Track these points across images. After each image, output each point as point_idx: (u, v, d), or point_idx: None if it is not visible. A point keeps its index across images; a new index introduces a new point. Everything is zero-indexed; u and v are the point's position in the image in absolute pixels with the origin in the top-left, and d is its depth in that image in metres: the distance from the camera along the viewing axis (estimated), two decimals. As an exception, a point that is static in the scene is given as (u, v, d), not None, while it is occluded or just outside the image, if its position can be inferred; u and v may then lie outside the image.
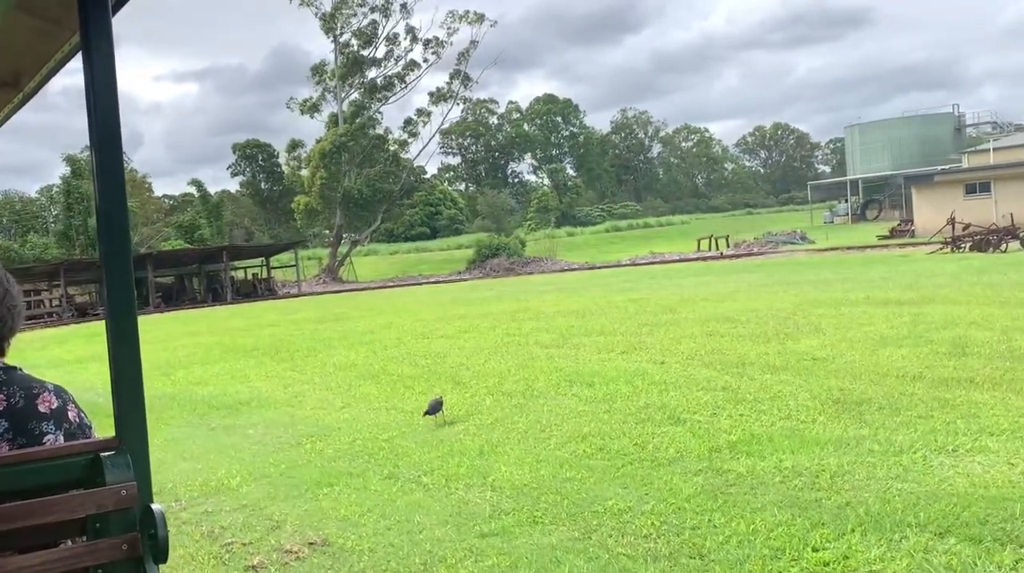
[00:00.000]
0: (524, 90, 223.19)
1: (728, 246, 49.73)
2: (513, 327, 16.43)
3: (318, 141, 61.27)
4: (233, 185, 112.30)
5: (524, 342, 14.06)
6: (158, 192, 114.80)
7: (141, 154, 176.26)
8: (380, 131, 61.65)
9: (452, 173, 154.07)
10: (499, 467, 6.66)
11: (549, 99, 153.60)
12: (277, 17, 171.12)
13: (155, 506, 2.16)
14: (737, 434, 6.84)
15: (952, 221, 31.71)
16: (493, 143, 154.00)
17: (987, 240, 30.41)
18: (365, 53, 59.97)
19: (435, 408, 8.51)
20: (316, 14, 59.47)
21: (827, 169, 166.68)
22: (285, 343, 17.81)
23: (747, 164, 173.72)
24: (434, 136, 66.83)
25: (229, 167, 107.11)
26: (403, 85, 61.06)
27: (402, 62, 60.61)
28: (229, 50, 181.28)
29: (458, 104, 62.74)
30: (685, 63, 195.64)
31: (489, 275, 49.70)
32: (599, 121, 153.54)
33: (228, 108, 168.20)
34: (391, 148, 62.14)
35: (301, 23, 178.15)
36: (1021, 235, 30.11)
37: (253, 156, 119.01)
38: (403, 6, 58.78)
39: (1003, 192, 39.24)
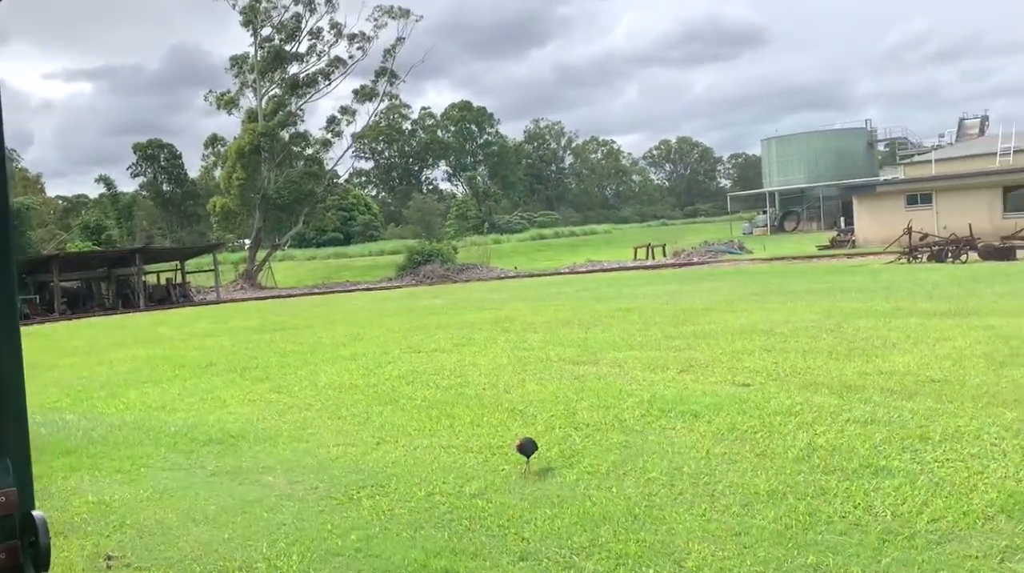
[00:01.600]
0: (431, 99, 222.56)
1: (665, 255, 48.86)
2: (515, 340, 14.55)
3: (236, 139, 57.93)
4: (130, 187, 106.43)
5: (545, 358, 12.21)
6: (50, 193, 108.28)
7: (31, 154, 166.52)
8: (301, 129, 58.80)
9: (364, 178, 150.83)
10: (686, 544, 4.81)
11: (464, 106, 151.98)
12: (175, 16, 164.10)
13: (36, 513, 2.15)
14: (993, 493, 5.17)
15: (909, 231, 31.33)
16: (407, 149, 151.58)
17: (946, 251, 30.07)
18: (288, 48, 57.00)
19: (529, 448, 6.60)
20: (234, 6, 56.28)
21: (729, 183, 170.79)
22: (243, 357, 15.48)
23: (653, 177, 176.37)
24: (362, 134, 64.22)
25: (129, 168, 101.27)
26: (327, 82, 58.31)
27: (325, 58, 57.89)
28: (124, 49, 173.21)
29: (384, 102, 60.27)
30: (588, 77, 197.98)
31: (423, 282, 47.54)
32: (509, 131, 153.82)
33: (124, 108, 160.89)
34: (313, 147, 59.27)
35: (202, 23, 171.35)
36: (979, 246, 29.87)
37: (155, 156, 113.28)
38: (328, 0, 56.16)
39: (945, 204, 39.44)
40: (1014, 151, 46.75)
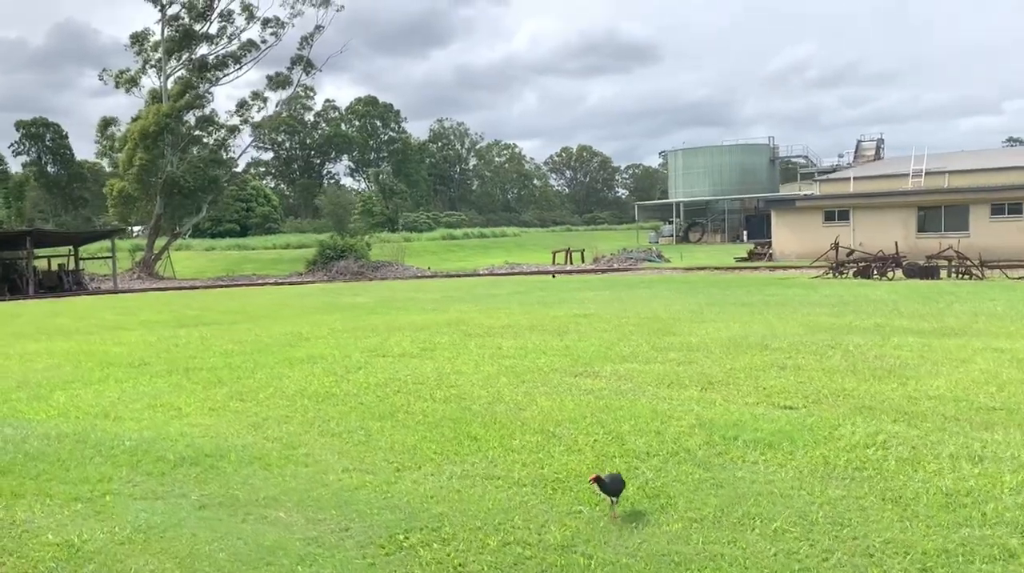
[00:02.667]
0: (330, 92, 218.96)
1: (583, 260, 48.42)
2: (488, 345, 13.41)
3: (135, 119, 54.58)
4: (11, 167, 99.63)
5: (536, 368, 11.13)
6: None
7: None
8: (208, 113, 55.89)
9: (263, 169, 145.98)
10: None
11: (370, 101, 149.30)
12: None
13: None
14: None
15: (836, 246, 31.62)
16: (308, 141, 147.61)
17: (872, 267, 30.41)
18: (197, 27, 54.06)
19: (615, 486, 5.52)
20: (141, -22, 52.98)
21: (626, 192, 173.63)
22: (180, 356, 13.82)
23: (553, 183, 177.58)
24: (267, 123, 61.51)
25: (11, 146, 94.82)
26: (237, 66, 55.61)
27: (236, 41, 55.18)
28: (5, 21, 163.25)
29: (299, 91, 57.87)
30: (488, 81, 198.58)
31: (336, 278, 45.67)
32: (412, 130, 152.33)
33: (2, 84, 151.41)
34: (220, 132, 56.43)
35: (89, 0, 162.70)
36: (904, 264, 30.34)
37: (40, 135, 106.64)
38: (242, -21, 53.54)
39: (861, 221, 40.23)
40: (925, 173, 48.31)
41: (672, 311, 18.35)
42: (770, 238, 69.36)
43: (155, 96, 54.66)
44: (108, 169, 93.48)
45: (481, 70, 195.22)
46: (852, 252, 31.82)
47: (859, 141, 74.85)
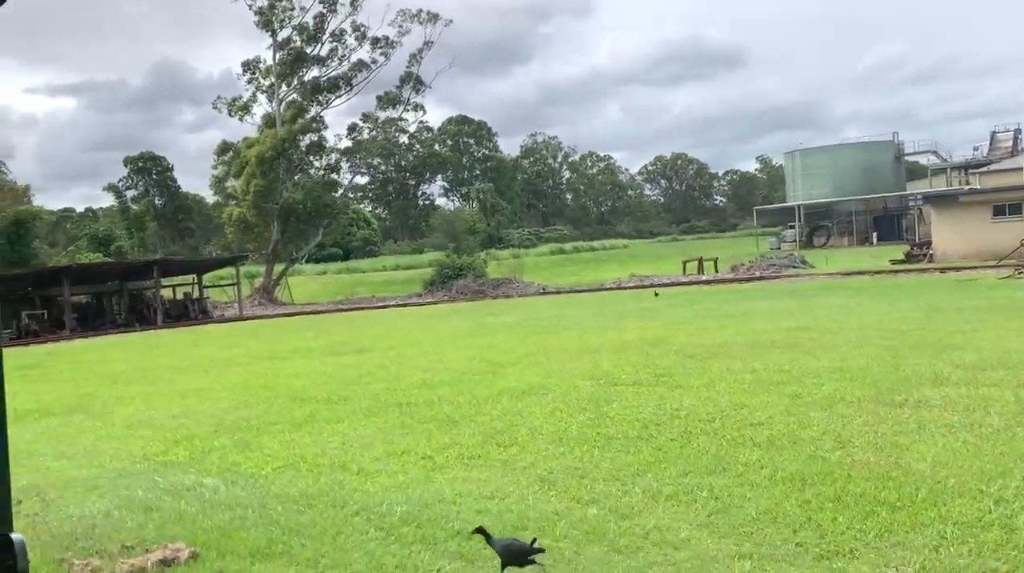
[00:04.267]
0: (406, 117, 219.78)
1: (716, 270, 45.85)
2: (731, 369, 11.36)
3: (249, 146, 54.60)
4: (108, 202, 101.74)
5: (844, 399, 9.04)
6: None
7: (12, 168, 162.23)
8: (318, 138, 55.51)
9: (360, 193, 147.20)
10: None
11: (462, 120, 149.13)
12: (160, 33, 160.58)
13: (15, 536, 2.12)
14: None
15: (1024, 243, 28.49)
16: (404, 163, 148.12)
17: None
18: (309, 50, 53.83)
19: (507, 556, 4.55)
20: (252, 7, 53.09)
21: (723, 200, 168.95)
22: (378, 389, 12.20)
23: (648, 193, 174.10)
24: (366, 146, 60.68)
25: (120, 181, 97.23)
26: (348, 87, 55.13)
27: (346, 63, 54.72)
28: (108, 64, 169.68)
29: (408, 111, 57.05)
30: (570, 96, 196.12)
31: (458, 298, 44.23)
32: (501, 146, 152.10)
33: (106, 124, 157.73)
34: (332, 157, 56.03)
35: (187, 39, 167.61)
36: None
37: (147, 169, 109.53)
38: (352, 1, 53.09)
39: (1038, 214, 36.56)
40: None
41: (909, 321, 15.93)
42: (905, 238, 65.38)
43: (268, 122, 54.59)
44: (211, 199, 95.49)
45: (563, 85, 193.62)
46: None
47: (993, 132, 70.19)
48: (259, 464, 8.24)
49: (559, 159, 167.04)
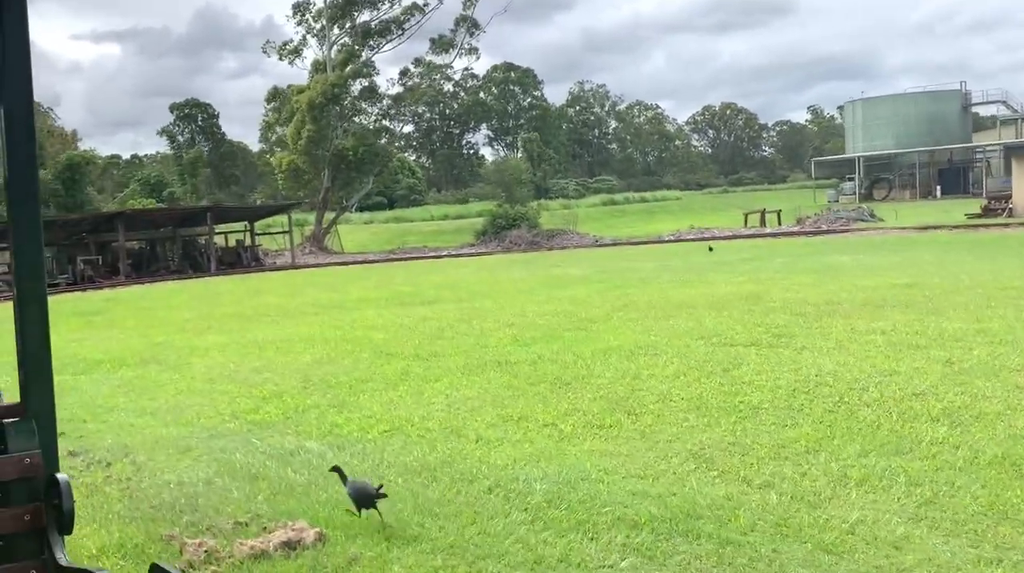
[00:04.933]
0: (457, 62, 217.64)
1: (779, 222, 44.38)
2: (863, 330, 10.42)
3: (299, 92, 53.78)
4: (153, 148, 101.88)
5: (992, 366, 8.12)
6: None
7: (59, 115, 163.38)
8: (369, 84, 54.48)
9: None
10: None
11: (508, 67, 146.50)
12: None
13: (60, 476, 2.13)
14: None
15: None
16: (448, 112, 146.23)
17: None
18: (359, -8, 52.54)
19: (359, 498, 4.88)
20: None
21: (771, 150, 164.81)
22: (469, 345, 11.47)
23: (695, 143, 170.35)
24: (414, 94, 59.47)
25: (166, 128, 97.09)
26: (400, 31, 53.87)
27: (399, 5, 53.38)
28: (151, 12, 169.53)
29: (462, 55, 55.70)
30: (614, 43, 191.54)
31: (512, 249, 43.38)
32: (546, 95, 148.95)
33: (150, 71, 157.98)
34: (383, 103, 55.00)
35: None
36: None
37: (192, 116, 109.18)
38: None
39: None
40: None
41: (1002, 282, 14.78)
42: (971, 192, 62.97)
43: (318, 67, 53.67)
44: (255, 147, 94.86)
45: (608, 32, 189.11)
46: None
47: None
48: (362, 427, 7.55)
49: (606, 108, 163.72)
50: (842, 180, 76.89)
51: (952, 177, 68.00)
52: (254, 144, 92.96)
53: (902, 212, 43.09)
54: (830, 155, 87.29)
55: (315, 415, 8.11)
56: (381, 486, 5.14)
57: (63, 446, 7.69)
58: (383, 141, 55.22)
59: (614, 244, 42.60)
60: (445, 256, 42.23)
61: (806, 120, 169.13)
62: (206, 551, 5.02)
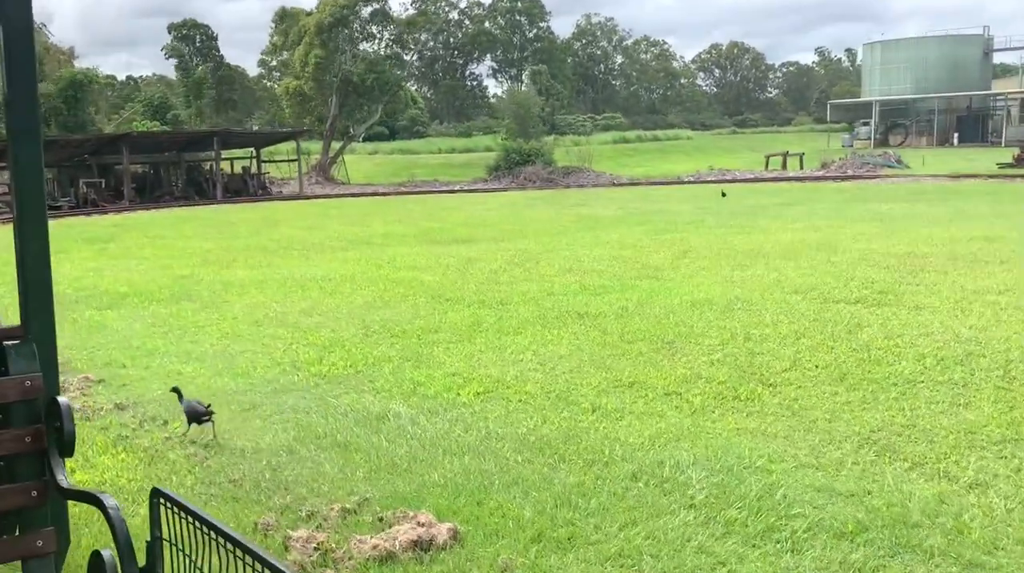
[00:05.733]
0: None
1: (801, 166, 43.17)
2: (957, 286, 9.50)
3: (308, 13, 51.80)
4: (148, 70, 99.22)
5: None
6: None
7: (53, 31, 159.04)
8: (381, 6, 52.44)
9: (405, 72, 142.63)
10: None
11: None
12: None
13: (61, 399, 2.07)
14: None
15: None
16: (452, 41, 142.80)
17: None
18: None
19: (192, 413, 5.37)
20: None
21: (777, 92, 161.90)
22: (530, 291, 10.53)
23: (700, 83, 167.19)
24: (416, 20, 57.33)
25: (174, 46, 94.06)
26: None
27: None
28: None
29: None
30: None
31: (527, 186, 42.10)
32: (552, 28, 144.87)
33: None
34: (393, 28, 53.03)
35: None
36: None
37: (191, 38, 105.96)
38: None
39: None
40: None
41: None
42: (990, 140, 61.66)
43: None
44: (252, 72, 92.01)
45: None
46: None
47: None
48: (448, 386, 6.63)
49: (613, 43, 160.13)
50: (855, 124, 75.23)
51: (970, 124, 66.51)
52: (253, 69, 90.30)
53: (928, 159, 41.89)
54: (836, 99, 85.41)
55: (389, 370, 7.19)
56: (209, 405, 5.74)
57: (107, 396, 6.81)
58: (399, 70, 53.47)
59: (632, 184, 41.41)
60: (459, 191, 41.00)
61: (813, 62, 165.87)
62: (316, 547, 4.14)
